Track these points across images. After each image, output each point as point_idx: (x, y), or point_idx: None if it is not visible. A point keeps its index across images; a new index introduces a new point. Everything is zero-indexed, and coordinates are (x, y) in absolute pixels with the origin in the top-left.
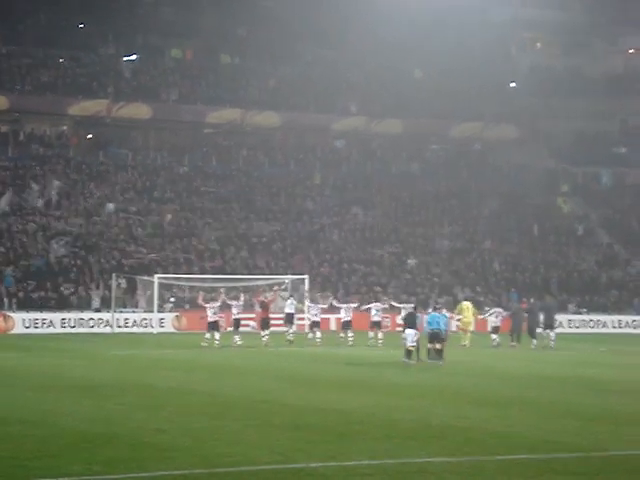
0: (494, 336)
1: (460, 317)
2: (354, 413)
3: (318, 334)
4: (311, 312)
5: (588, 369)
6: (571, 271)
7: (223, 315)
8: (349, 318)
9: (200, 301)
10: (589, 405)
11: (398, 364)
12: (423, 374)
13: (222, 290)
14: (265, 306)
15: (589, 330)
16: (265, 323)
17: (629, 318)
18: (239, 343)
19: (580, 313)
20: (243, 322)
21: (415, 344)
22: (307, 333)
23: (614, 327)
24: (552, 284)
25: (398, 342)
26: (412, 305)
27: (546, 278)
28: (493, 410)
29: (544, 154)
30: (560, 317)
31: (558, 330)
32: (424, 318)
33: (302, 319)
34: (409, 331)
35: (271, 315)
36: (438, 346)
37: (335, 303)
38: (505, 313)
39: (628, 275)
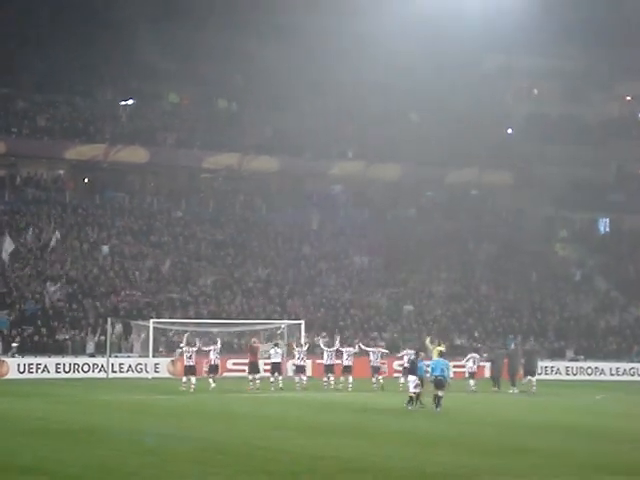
0: (471, 382)
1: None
2: (351, 460)
3: (304, 378)
4: (296, 356)
5: (585, 417)
6: (568, 317)
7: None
8: (349, 363)
9: (183, 344)
10: (592, 454)
11: (396, 410)
12: (420, 421)
13: (187, 334)
14: (253, 350)
15: (586, 377)
16: (254, 367)
17: (627, 365)
18: (213, 387)
19: (577, 360)
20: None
21: (417, 390)
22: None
23: (612, 374)
24: (549, 330)
25: (396, 388)
26: (413, 351)
27: (543, 324)
28: (492, 459)
29: (541, 200)
30: (557, 364)
31: (556, 377)
32: (426, 364)
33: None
34: (411, 377)
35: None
36: (440, 393)
37: (339, 347)
38: (480, 358)
39: (625, 322)
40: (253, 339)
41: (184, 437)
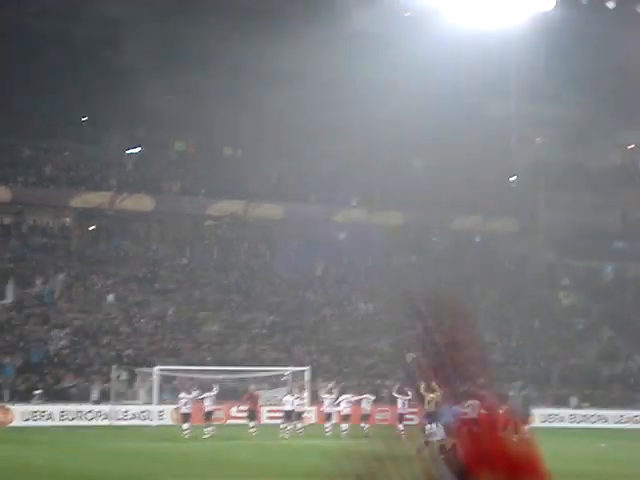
0: None
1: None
2: None
3: (299, 425)
4: (290, 402)
5: (590, 465)
6: (572, 365)
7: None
8: (348, 411)
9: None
10: None
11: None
12: None
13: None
14: (253, 398)
15: (590, 425)
16: (252, 415)
17: (631, 413)
18: (208, 435)
19: (581, 407)
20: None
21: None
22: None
23: (616, 422)
24: (553, 377)
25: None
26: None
27: (547, 371)
28: None
29: (545, 247)
30: (561, 411)
31: (560, 424)
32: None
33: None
34: (434, 425)
35: (260, 407)
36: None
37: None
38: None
39: (629, 370)
40: (252, 386)
41: None
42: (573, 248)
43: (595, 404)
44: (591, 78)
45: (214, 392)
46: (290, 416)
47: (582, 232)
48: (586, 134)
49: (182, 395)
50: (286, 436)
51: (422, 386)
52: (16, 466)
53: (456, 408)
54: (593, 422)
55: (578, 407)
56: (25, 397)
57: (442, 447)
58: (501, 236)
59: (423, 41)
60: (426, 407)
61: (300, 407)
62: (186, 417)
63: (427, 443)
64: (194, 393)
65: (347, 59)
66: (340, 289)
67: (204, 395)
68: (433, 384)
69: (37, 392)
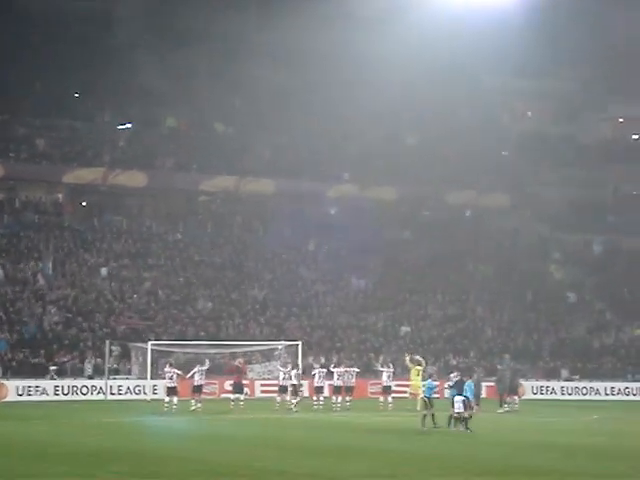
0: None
1: (411, 382)
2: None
3: (287, 398)
4: (280, 377)
5: (583, 436)
6: (563, 338)
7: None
8: (341, 383)
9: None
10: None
11: (400, 431)
12: (423, 441)
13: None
14: (239, 371)
15: (582, 397)
16: (238, 387)
17: (622, 385)
18: (193, 408)
19: (572, 380)
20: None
21: (461, 411)
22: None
23: (607, 394)
24: (544, 350)
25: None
26: (456, 373)
27: (538, 344)
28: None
29: (536, 222)
30: (552, 384)
31: (551, 397)
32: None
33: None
34: (458, 398)
35: (244, 380)
36: (466, 414)
37: (333, 369)
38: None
39: (620, 342)
40: (238, 360)
41: (184, 458)
42: (565, 222)
43: (586, 376)
44: (582, 52)
45: (205, 366)
46: (283, 390)
47: (574, 206)
48: (577, 108)
49: (167, 369)
50: (276, 408)
51: (407, 358)
52: (12, 441)
53: (471, 382)
54: (584, 394)
55: (569, 379)
56: (19, 372)
57: (464, 419)
58: (493, 210)
59: (416, 18)
60: (412, 379)
61: (286, 381)
62: (173, 390)
63: (452, 415)
64: (199, 367)
65: (340, 36)
66: (333, 264)
67: (194, 370)
68: (417, 357)
69: (53, 368)
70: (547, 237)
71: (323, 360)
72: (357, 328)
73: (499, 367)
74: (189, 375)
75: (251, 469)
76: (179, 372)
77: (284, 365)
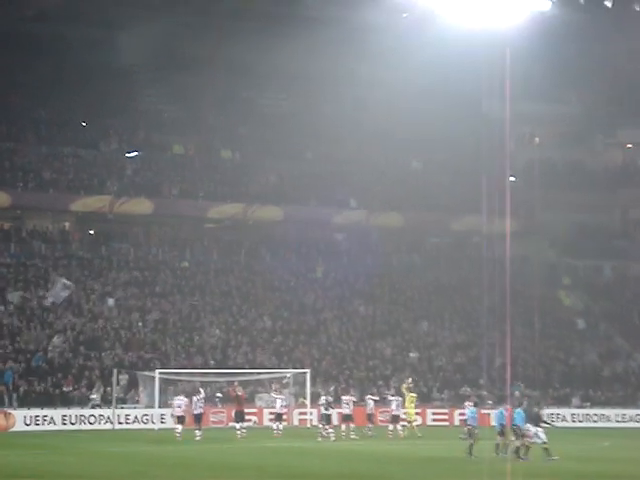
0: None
1: (406, 410)
2: None
3: (280, 426)
4: (277, 404)
5: (594, 464)
6: (573, 365)
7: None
8: (348, 412)
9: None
10: None
11: (397, 459)
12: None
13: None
14: (239, 400)
15: (592, 424)
16: (239, 416)
17: (633, 412)
18: (197, 439)
19: (583, 407)
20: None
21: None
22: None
23: (617, 421)
24: (554, 378)
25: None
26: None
27: (548, 372)
28: None
29: (544, 247)
30: (563, 411)
31: (562, 424)
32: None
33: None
34: (531, 427)
35: (246, 410)
36: (518, 443)
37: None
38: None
39: (630, 368)
40: (238, 388)
41: None
42: (573, 247)
43: (596, 404)
44: (590, 77)
45: (202, 395)
46: (279, 417)
47: (582, 231)
48: (585, 133)
49: (176, 398)
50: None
51: (404, 386)
52: (17, 471)
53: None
54: (595, 421)
55: (580, 407)
56: (26, 402)
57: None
58: (500, 236)
59: (421, 42)
60: (407, 407)
61: (282, 408)
62: (180, 419)
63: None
64: (197, 397)
65: (345, 62)
66: (340, 291)
67: (194, 398)
68: (410, 383)
69: (93, 397)
70: (555, 263)
71: (332, 388)
72: (365, 356)
73: (517, 395)
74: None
75: None
76: (187, 401)
77: (279, 392)
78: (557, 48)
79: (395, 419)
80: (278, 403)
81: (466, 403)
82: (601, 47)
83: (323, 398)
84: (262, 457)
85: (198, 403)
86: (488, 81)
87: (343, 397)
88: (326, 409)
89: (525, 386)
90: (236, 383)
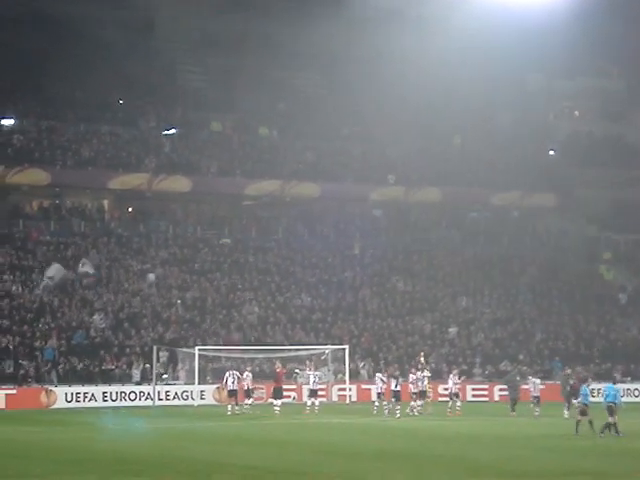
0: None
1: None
2: None
3: (317, 402)
4: (310, 380)
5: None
6: (614, 339)
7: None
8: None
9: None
10: None
11: (436, 436)
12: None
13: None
14: (277, 376)
15: (634, 399)
16: (277, 393)
17: None
18: (237, 412)
19: (624, 382)
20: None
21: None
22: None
23: None
24: (595, 353)
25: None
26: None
27: (589, 347)
28: None
29: (584, 222)
30: (605, 386)
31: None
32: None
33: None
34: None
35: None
36: (611, 420)
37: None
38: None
39: None
40: (276, 364)
41: (231, 464)
42: (613, 222)
43: (638, 378)
44: (629, 50)
45: (235, 371)
46: (313, 393)
47: (621, 206)
48: (625, 107)
49: (228, 373)
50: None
51: (422, 359)
52: (60, 447)
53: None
54: (637, 396)
55: (621, 382)
56: (66, 379)
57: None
58: (539, 211)
59: (460, 18)
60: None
61: (316, 385)
62: (231, 394)
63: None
64: (228, 373)
65: (383, 38)
66: (378, 267)
67: (226, 375)
68: (422, 360)
69: (165, 375)
70: (596, 237)
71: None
72: (404, 332)
73: (510, 371)
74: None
75: (291, 473)
76: (239, 375)
77: (313, 369)
78: (599, 22)
79: (421, 395)
80: (311, 379)
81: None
82: None
83: (379, 376)
84: (295, 433)
85: (231, 379)
86: (528, 56)
87: (411, 374)
88: (396, 386)
89: (564, 361)
90: (277, 361)
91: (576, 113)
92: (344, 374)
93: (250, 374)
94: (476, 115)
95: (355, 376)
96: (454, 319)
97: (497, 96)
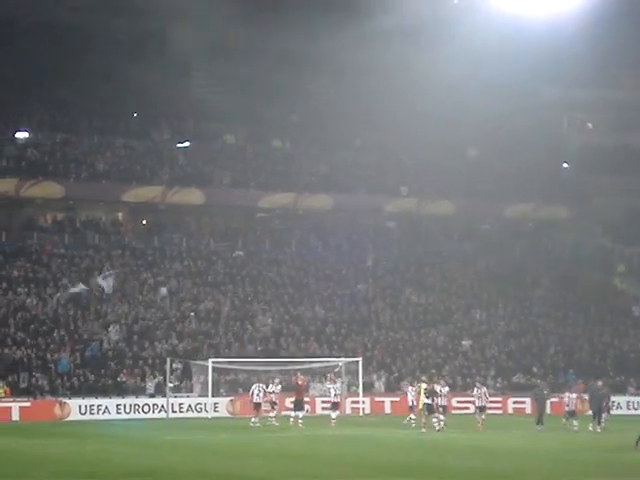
0: (574, 422)
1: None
2: None
3: (333, 415)
4: (331, 393)
5: None
6: (628, 351)
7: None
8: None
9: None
10: None
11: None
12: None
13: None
14: (298, 388)
15: None
16: (298, 405)
17: None
18: (258, 424)
19: (639, 394)
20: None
21: None
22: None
23: None
24: (609, 364)
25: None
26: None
27: (603, 358)
28: None
29: (598, 233)
30: (619, 399)
31: (617, 412)
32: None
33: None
34: None
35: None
36: None
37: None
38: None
39: None
40: (300, 377)
41: (244, 477)
42: (627, 233)
43: None
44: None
45: (260, 383)
46: (334, 406)
47: (635, 217)
48: (637, 116)
49: (254, 386)
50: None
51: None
52: (72, 460)
53: None
54: None
55: (635, 394)
56: (81, 391)
57: None
58: (553, 223)
59: (473, 29)
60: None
61: (336, 397)
62: (257, 406)
63: None
64: (271, 386)
65: (397, 49)
66: (391, 279)
67: (252, 387)
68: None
69: (170, 385)
70: (609, 248)
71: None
72: (418, 344)
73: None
74: (250, 393)
75: None
76: (265, 388)
77: (333, 382)
78: (609, 32)
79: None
80: (332, 392)
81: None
82: None
83: (413, 387)
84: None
85: (257, 391)
86: (541, 67)
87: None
88: (427, 397)
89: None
90: (299, 373)
91: (589, 124)
92: (357, 387)
93: (279, 386)
94: (489, 127)
95: (369, 389)
96: (467, 331)
97: (510, 107)
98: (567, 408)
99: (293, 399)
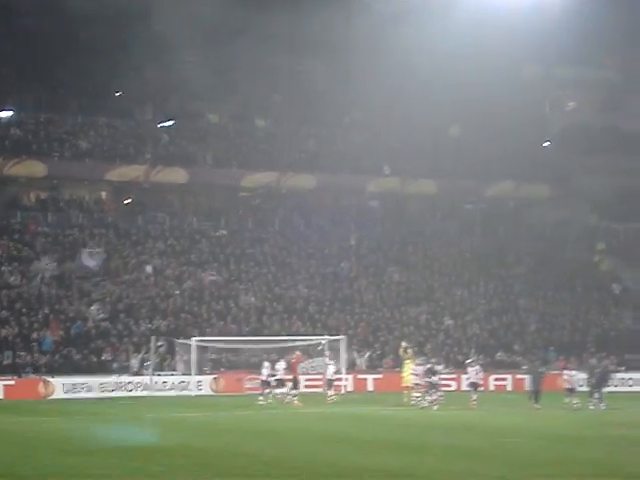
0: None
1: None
2: (397, 475)
3: (330, 392)
4: (329, 371)
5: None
6: (608, 329)
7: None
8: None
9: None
10: None
11: (440, 426)
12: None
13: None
14: (291, 367)
15: (628, 389)
16: (295, 383)
17: None
18: (262, 402)
19: (618, 371)
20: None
21: None
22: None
23: None
24: (589, 342)
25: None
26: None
27: (584, 336)
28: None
29: (583, 211)
30: None
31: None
32: None
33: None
34: None
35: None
36: None
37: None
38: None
39: None
40: (297, 353)
41: (233, 452)
42: (614, 211)
43: (632, 368)
44: (625, 40)
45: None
46: (330, 384)
47: (618, 195)
48: (620, 97)
49: (264, 364)
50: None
51: (401, 350)
52: (57, 437)
53: None
54: (630, 386)
55: (615, 371)
56: (64, 370)
57: None
58: (535, 201)
59: (457, 7)
60: (404, 372)
61: (334, 375)
62: (264, 384)
63: None
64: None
65: (380, 28)
66: (374, 258)
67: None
68: (405, 346)
69: (147, 363)
70: (593, 227)
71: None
72: (400, 322)
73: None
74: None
75: (293, 461)
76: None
77: (332, 359)
78: (592, 11)
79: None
80: (330, 370)
81: None
82: (638, 9)
83: (421, 367)
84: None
85: (267, 369)
86: (524, 46)
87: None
88: (430, 377)
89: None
90: (297, 352)
91: (571, 103)
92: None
93: (284, 363)
94: (472, 106)
95: (351, 366)
96: (450, 310)
97: (493, 87)
98: (567, 385)
99: (290, 377)
